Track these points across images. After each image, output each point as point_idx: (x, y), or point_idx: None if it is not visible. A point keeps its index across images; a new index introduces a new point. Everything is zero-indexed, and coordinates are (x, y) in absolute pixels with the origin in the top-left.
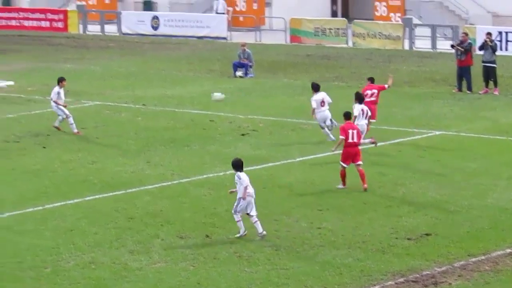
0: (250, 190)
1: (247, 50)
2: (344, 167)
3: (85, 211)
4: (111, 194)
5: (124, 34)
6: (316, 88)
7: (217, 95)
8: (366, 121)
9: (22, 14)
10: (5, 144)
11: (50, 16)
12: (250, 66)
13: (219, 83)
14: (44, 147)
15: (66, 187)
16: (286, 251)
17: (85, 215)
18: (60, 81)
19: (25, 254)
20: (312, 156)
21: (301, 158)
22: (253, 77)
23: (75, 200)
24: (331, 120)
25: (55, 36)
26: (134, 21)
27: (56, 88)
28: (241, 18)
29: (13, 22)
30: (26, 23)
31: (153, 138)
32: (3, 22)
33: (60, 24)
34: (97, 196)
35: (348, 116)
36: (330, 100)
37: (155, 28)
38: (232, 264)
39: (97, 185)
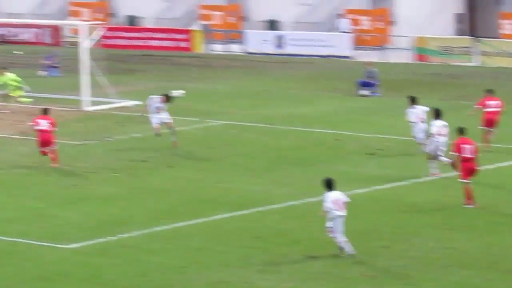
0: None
1: (372, 69)
2: (466, 183)
3: (212, 230)
4: (238, 213)
5: (248, 53)
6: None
7: (176, 92)
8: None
9: (147, 34)
10: (133, 163)
11: (174, 35)
12: (375, 85)
13: (344, 101)
14: (171, 166)
15: (193, 206)
16: (414, 270)
17: (213, 234)
18: (166, 98)
19: (154, 273)
20: (439, 176)
21: (428, 178)
22: (378, 96)
23: (203, 219)
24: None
25: (179, 55)
26: (259, 40)
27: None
28: (366, 37)
29: (138, 42)
30: (151, 43)
31: (280, 157)
32: (129, 42)
33: (184, 44)
34: (224, 215)
35: (461, 131)
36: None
37: (279, 47)
38: (361, 284)
39: (224, 204)
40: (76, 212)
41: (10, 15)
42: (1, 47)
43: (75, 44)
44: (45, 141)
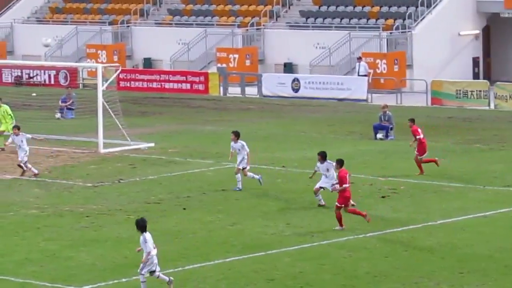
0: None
1: (388, 112)
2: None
3: (225, 273)
4: (251, 255)
5: (264, 96)
6: None
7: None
8: None
9: (163, 77)
10: (146, 206)
11: (190, 78)
12: (391, 129)
13: (359, 145)
14: (184, 209)
15: (206, 249)
16: None
17: (225, 276)
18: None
19: None
20: (453, 219)
21: (442, 221)
22: (393, 140)
23: (215, 262)
24: None
25: (195, 98)
26: (275, 83)
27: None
28: (381, 80)
29: (154, 85)
30: (167, 85)
31: (293, 200)
32: (145, 85)
33: (200, 87)
34: (237, 258)
35: None
36: None
37: (295, 90)
38: None
39: (237, 246)
40: (89, 254)
41: (27, 57)
42: (17, 88)
43: (91, 86)
44: None
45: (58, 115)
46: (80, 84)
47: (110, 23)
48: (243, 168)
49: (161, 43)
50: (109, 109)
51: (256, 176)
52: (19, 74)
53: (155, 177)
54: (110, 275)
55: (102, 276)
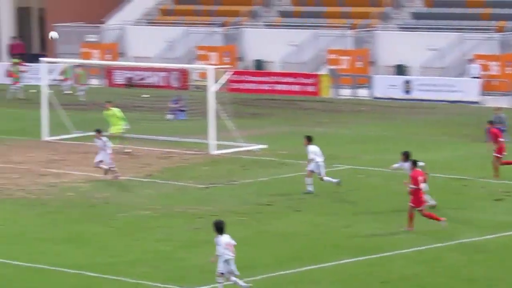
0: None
1: (501, 114)
2: None
3: (338, 275)
4: (364, 258)
5: (375, 98)
6: None
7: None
8: None
9: (273, 78)
10: (258, 207)
11: (301, 80)
12: (504, 131)
13: (472, 148)
14: (297, 210)
15: (318, 251)
16: None
17: (338, 279)
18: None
19: None
20: None
21: None
22: (507, 142)
23: (328, 264)
24: None
25: (306, 100)
26: (386, 85)
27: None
28: (494, 82)
29: (265, 86)
30: (278, 87)
31: (406, 202)
32: (256, 86)
33: (311, 88)
34: (349, 260)
35: None
36: None
37: (407, 92)
38: None
39: (349, 248)
40: (200, 255)
41: (138, 58)
42: (128, 90)
43: (202, 88)
44: None
45: (169, 116)
46: (191, 86)
47: (221, 25)
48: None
49: (272, 44)
50: (220, 111)
51: (334, 180)
52: (131, 75)
53: (267, 178)
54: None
55: (214, 278)
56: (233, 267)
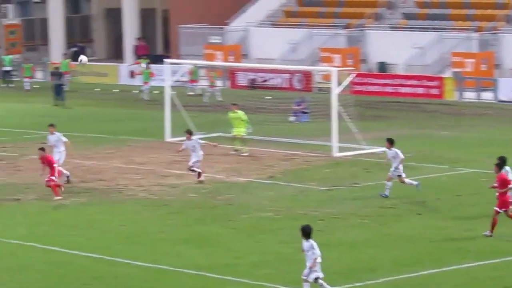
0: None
1: None
2: None
3: (460, 279)
4: (488, 262)
5: (500, 101)
6: None
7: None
8: None
9: (397, 81)
10: (380, 210)
11: (425, 82)
12: None
13: None
14: (418, 214)
15: (440, 254)
16: None
17: (461, 282)
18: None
19: None
20: None
21: None
22: None
23: (450, 268)
24: None
25: (430, 102)
26: (511, 88)
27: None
28: None
29: (389, 89)
30: (401, 89)
31: None
32: (379, 89)
33: (435, 91)
34: (472, 264)
35: None
36: None
37: None
38: None
39: (472, 252)
40: (322, 257)
41: (261, 60)
42: (251, 92)
43: (325, 90)
44: None
45: (292, 118)
46: (314, 88)
47: (344, 27)
48: (399, 176)
49: (395, 47)
50: (343, 113)
51: (414, 183)
52: (253, 77)
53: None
54: (343, 279)
55: (336, 280)
56: (319, 271)
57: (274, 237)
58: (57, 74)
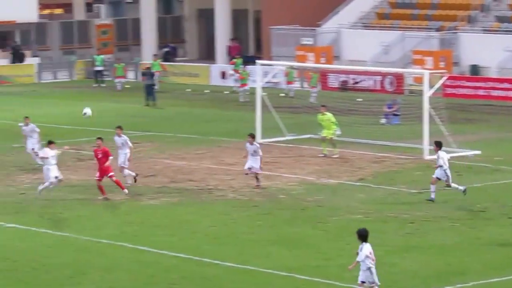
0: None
1: None
2: None
3: None
4: None
5: None
6: None
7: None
8: None
9: (489, 84)
10: (471, 213)
11: None
12: None
13: None
14: (510, 218)
15: None
16: None
17: None
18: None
19: None
20: None
21: None
22: None
23: None
24: None
25: None
26: None
27: None
28: None
29: (481, 92)
30: (494, 92)
31: None
32: (471, 92)
33: None
34: None
35: None
36: None
37: None
38: None
39: None
40: (412, 260)
41: (352, 62)
42: (343, 93)
43: (416, 93)
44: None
45: (383, 120)
46: (406, 90)
47: (437, 30)
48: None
49: (488, 50)
50: (435, 116)
51: (460, 187)
52: (345, 79)
53: (480, 185)
54: (433, 282)
55: (425, 283)
56: (374, 276)
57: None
58: (148, 74)
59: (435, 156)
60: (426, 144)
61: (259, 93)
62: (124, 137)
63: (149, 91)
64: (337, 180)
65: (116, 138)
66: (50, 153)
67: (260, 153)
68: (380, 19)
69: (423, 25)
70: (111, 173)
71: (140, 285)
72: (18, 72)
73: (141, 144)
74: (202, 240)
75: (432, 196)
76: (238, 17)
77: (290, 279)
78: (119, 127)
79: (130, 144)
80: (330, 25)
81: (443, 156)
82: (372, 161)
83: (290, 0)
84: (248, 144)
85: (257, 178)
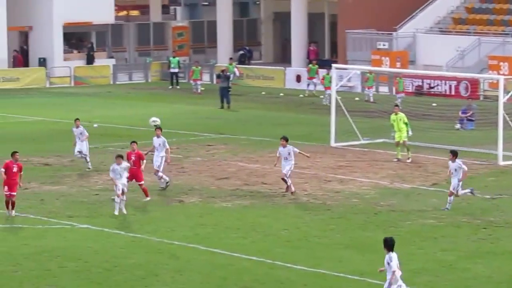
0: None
1: None
2: None
3: None
4: None
5: None
6: None
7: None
8: None
9: None
10: None
11: None
12: None
13: None
14: None
15: None
16: None
17: None
18: None
19: None
20: None
21: None
22: None
23: None
24: None
25: None
26: None
27: None
28: None
29: None
30: None
31: None
32: None
33: None
34: None
35: None
36: None
37: None
38: None
39: None
40: (485, 266)
41: (428, 67)
42: (418, 98)
43: (491, 98)
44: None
45: (458, 125)
46: (481, 96)
47: None
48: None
49: None
50: (510, 121)
51: (467, 190)
52: (420, 83)
53: None
54: None
55: None
56: (400, 282)
57: (436, 244)
58: (223, 77)
59: (508, 162)
60: (501, 150)
61: (334, 97)
62: (163, 138)
63: (224, 93)
64: (411, 185)
65: (155, 138)
66: (117, 169)
67: (293, 156)
68: (456, 24)
69: (499, 30)
70: (141, 182)
71: (212, 287)
72: (93, 74)
73: (215, 146)
74: (274, 243)
75: (448, 206)
76: (314, 21)
77: (362, 284)
78: (159, 128)
79: (167, 146)
80: (406, 29)
81: (455, 166)
82: (446, 166)
83: (366, 4)
84: (281, 148)
85: (285, 181)
